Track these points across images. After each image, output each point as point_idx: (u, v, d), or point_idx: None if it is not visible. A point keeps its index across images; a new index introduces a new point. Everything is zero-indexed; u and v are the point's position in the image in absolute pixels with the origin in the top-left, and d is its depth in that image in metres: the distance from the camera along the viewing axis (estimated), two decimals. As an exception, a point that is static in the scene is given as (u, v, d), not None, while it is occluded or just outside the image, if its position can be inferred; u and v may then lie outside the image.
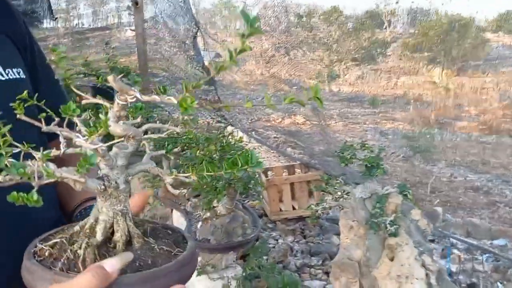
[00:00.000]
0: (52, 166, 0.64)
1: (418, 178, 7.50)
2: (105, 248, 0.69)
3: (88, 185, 0.68)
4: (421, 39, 19.05)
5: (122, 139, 0.71)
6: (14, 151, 0.63)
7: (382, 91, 16.30)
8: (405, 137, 9.99)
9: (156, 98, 0.60)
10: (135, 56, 6.15)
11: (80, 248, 0.68)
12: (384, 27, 24.21)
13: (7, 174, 0.58)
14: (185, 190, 3.13)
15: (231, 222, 2.61)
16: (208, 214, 2.69)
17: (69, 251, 0.68)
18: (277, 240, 4.38)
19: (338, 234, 4.72)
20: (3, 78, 0.99)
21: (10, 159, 0.60)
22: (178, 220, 3.37)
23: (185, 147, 3.25)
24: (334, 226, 4.89)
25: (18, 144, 0.64)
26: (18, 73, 1.03)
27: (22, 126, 0.71)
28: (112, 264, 0.66)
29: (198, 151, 2.57)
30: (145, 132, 0.76)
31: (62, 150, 0.67)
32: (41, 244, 0.71)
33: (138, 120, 0.75)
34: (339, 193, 2.01)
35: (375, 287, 1.76)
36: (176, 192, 3.34)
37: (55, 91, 1.19)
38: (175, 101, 0.58)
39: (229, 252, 2.79)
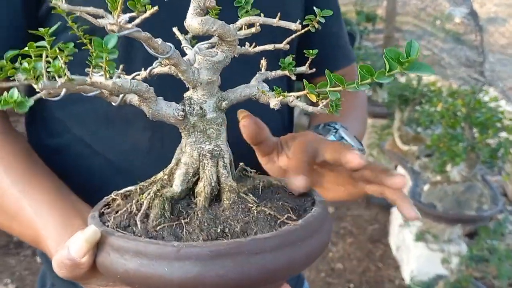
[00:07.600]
0: (62, 65, 0.40)
1: None
2: (186, 202, 0.50)
3: (158, 108, 0.47)
4: None
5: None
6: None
7: None
8: None
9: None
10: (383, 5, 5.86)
11: (146, 199, 0.49)
12: None
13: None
14: (415, 147, 2.86)
15: (465, 192, 2.28)
16: (439, 177, 2.40)
17: (133, 202, 0.50)
18: (515, 225, 3.76)
19: None
20: None
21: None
22: (402, 178, 3.15)
23: (422, 100, 2.94)
24: None
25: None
26: None
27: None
28: (77, 249, 0.45)
29: (441, 105, 2.26)
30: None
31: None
32: (116, 193, 0.54)
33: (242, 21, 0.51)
34: None
35: None
36: (405, 148, 3.05)
37: (328, 33, 0.95)
38: None
39: (456, 224, 2.47)
